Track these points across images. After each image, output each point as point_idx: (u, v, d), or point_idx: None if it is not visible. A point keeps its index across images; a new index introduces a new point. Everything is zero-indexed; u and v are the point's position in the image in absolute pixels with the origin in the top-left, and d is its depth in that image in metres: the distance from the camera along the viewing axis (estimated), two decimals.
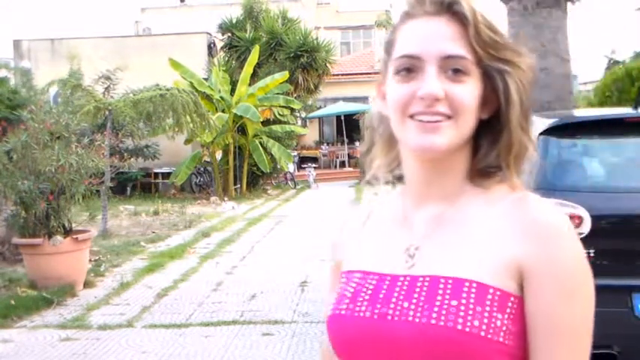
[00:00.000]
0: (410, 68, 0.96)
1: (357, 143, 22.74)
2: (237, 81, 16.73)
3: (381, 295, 0.97)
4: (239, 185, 17.30)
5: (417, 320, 0.91)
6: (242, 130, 16.65)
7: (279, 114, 17.45)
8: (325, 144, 26.43)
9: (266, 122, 16.99)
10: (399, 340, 0.92)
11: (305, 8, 25.56)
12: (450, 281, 0.93)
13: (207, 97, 15.96)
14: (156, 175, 17.60)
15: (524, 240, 0.93)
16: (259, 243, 10.00)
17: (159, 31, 22.24)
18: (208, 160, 16.87)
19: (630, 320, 3.29)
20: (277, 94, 16.92)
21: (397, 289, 0.97)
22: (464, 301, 0.90)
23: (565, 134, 3.79)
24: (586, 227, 3.35)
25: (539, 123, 3.94)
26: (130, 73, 13.45)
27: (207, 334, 5.36)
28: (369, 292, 0.99)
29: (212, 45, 19.84)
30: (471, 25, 0.95)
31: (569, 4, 7.65)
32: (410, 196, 1.05)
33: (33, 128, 6.99)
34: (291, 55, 18.80)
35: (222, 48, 20.31)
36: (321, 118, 26.10)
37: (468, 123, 0.97)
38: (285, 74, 16.79)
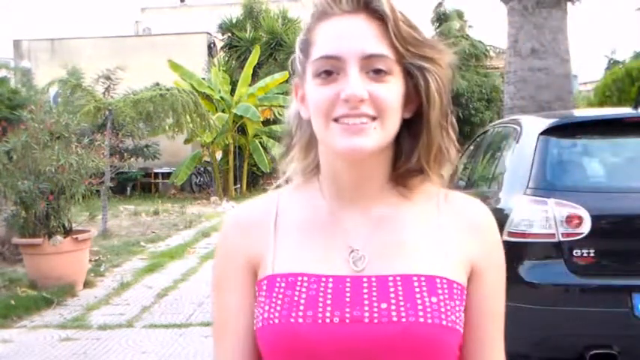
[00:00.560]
0: (330, 70, 0.92)
1: None
2: (237, 81, 16.74)
3: (348, 299, 0.93)
4: (239, 185, 17.30)
5: (404, 320, 0.91)
6: (242, 130, 16.65)
7: (279, 114, 17.44)
8: None
9: (266, 122, 16.99)
10: (381, 343, 0.90)
11: (305, 8, 25.52)
12: (423, 279, 0.94)
13: (207, 98, 15.96)
14: (156, 175, 17.61)
15: (471, 238, 1.00)
16: None
17: (159, 31, 22.23)
18: (208, 160, 16.87)
19: (630, 320, 3.29)
20: (277, 94, 16.91)
21: (365, 290, 0.94)
22: (441, 297, 0.93)
23: (565, 134, 3.79)
24: (586, 227, 3.35)
25: (539, 123, 3.95)
26: (130, 73, 13.47)
27: (207, 334, 5.35)
28: (329, 296, 0.93)
29: (212, 45, 19.84)
30: (391, 21, 0.92)
31: (569, 4, 7.66)
32: (334, 198, 1.01)
33: (33, 128, 6.98)
34: (291, 55, 18.76)
35: (222, 48, 20.32)
36: None
37: (393, 123, 0.94)
38: (285, 74, 16.75)
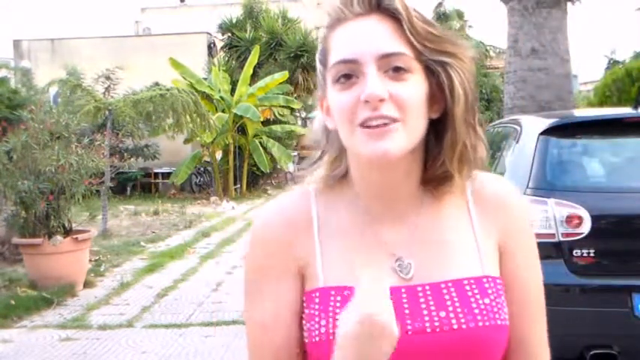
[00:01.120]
0: (348, 74, 0.91)
1: None
2: (237, 81, 16.73)
3: (407, 310, 0.92)
4: (239, 185, 17.30)
5: (464, 327, 0.91)
6: (242, 130, 16.64)
7: (279, 114, 17.44)
8: None
9: (266, 122, 16.98)
10: (444, 351, 0.91)
11: (305, 8, 25.53)
12: (472, 281, 0.94)
13: (208, 97, 15.96)
14: (156, 175, 17.60)
15: (498, 218, 1.00)
16: None
17: (159, 31, 22.23)
18: (208, 160, 16.87)
19: (630, 320, 3.29)
20: (277, 94, 16.91)
21: (422, 300, 0.93)
22: (492, 297, 0.94)
23: (565, 134, 3.79)
24: (586, 227, 3.35)
25: (539, 123, 3.95)
26: (130, 73, 13.46)
27: (207, 334, 5.36)
28: None
29: (212, 45, 19.84)
30: (405, 19, 0.90)
31: (569, 4, 7.66)
32: (369, 203, 0.99)
33: (33, 128, 6.99)
34: (291, 55, 18.79)
35: (222, 48, 20.31)
36: None
37: (417, 123, 0.92)
38: (285, 74, 16.78)
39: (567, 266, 3.37)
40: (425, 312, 0.92)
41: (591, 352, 3.20)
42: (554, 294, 3.45)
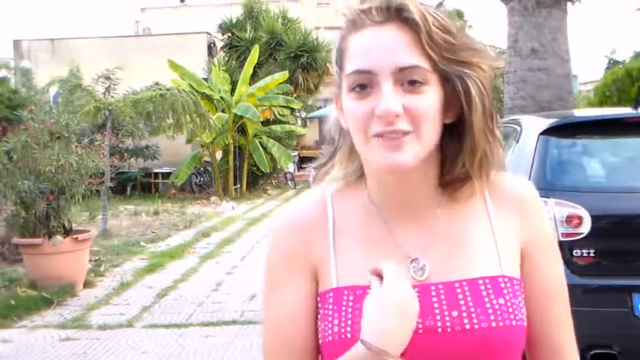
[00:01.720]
0: (364, 84, 0.91)
1: None
2: (237, 81, 16.72)
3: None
4: (239, 185, 17.30)
5: (477, 327, 0.90)
6: (242, 130, 16.64)
7: (279, 114, 17.44)
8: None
9: (266, 122, 16.98)
10: (455, 351, 0.90)
11: (305, 8, 25.54)
12: (487, 280, 0.94)
13: (207, 97, 15.96)
14: (156, 175, 17.59)
15: (517, 217, 1.00)
16: (259, 243, 9.99)
17: (159, 31, 22.24)
18: (208, 160, 16.86)
19: (630, 320, 3.29)
20: (277, 94, 16.91)
21: (434, 299, 0.93)
22: (507, 297, 0.93)
23: (565, 134, 3.79)
24: (586, 227, 3.35)
25: (539, 123, 3.94)
26: (130, 73, 13.45)
27: (207, 334, 5.36)
28: None
29: (212, 45, 19.83)
30: (423, 31, 0.89)
31: (569, 4, 7.65)
32: (384, 205, 1.00)
33: (33, 128, 6.99)
34: (291, 55, 18.78)
35: (222, 48, 20.30)
36: (321, 118, 26.08)
37: (430, 133, 0.91)
38: (285, 74, 16.78)
39: (567, 266, 3.37)
40: (437, 311, 0.92)
41: (591, 352, 3.20)
42: None
